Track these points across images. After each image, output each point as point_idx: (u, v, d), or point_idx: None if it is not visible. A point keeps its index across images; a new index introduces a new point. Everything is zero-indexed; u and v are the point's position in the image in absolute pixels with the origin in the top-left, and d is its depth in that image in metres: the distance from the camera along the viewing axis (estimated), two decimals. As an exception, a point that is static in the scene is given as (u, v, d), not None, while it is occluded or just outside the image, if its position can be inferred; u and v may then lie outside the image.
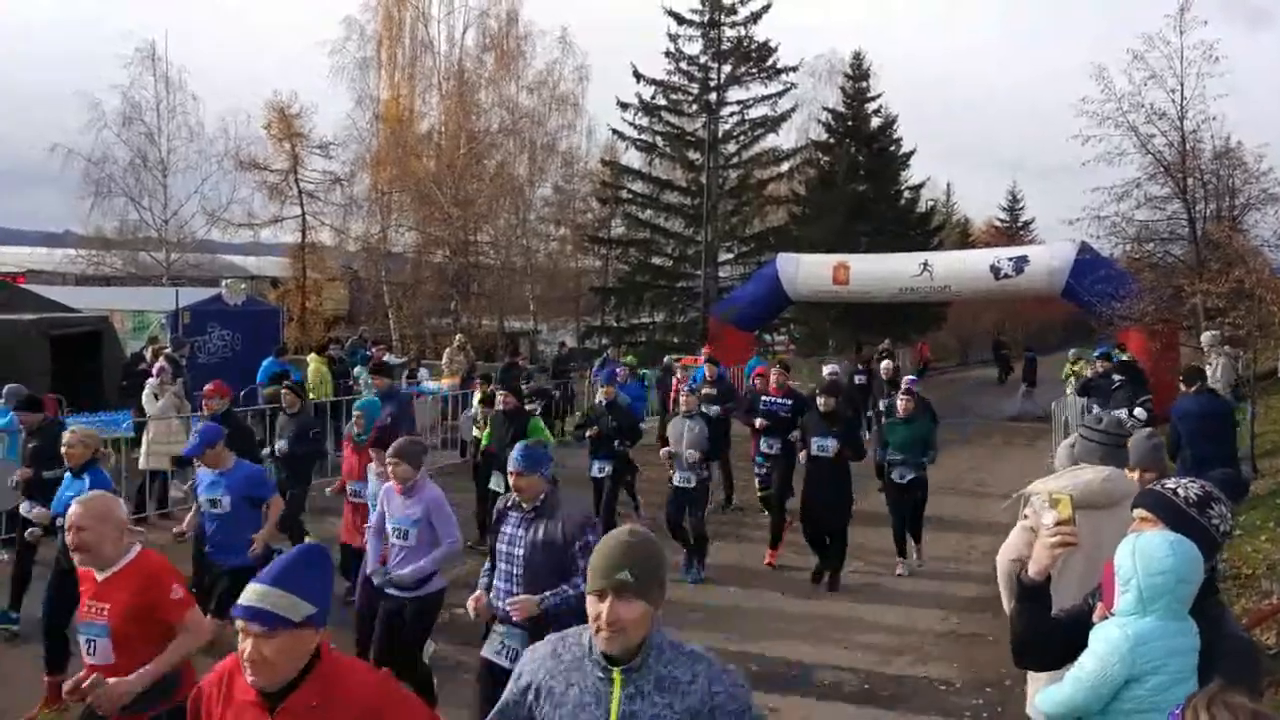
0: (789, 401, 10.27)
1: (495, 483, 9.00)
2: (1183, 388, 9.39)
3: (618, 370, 13.85)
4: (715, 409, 11.53)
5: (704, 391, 11.96)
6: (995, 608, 7.88)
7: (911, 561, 9.64)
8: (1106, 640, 2.82)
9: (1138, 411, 7.30)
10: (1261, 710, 2.14)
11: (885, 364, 16.02)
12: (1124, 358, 14.57)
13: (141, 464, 10.68)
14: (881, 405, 13.32)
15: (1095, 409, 10.55)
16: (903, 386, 10.92)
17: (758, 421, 10.37)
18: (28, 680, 6.11)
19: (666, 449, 9.19)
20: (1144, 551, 2.80)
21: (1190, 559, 2.77)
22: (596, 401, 10.29)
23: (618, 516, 9.85)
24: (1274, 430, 15.10)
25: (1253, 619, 6.54)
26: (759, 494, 10.32)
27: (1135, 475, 4.41)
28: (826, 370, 13.16)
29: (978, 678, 6.70)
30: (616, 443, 9.70)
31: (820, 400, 9.08)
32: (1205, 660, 2.78)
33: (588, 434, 10.00)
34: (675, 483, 9.15)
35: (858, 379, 17.66)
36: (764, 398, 10.56)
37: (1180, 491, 2.97)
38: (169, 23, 75.90)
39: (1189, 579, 2.76)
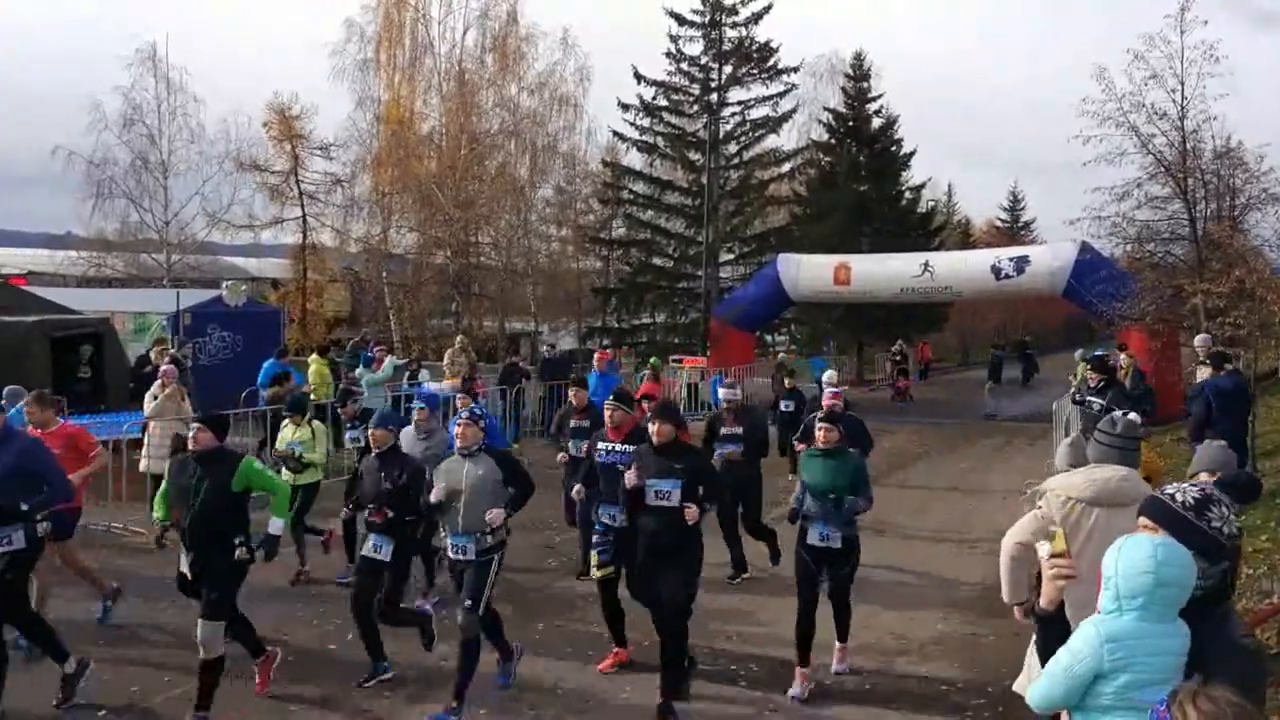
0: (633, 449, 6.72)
1: (184, 565, 6.09)
2: (1209, 371, 9.59)
3: (455, 398, 10.10)
4: (583, 445, 8.68)
5: (572, 424, 9.49)
6: (997, 607, 7.89)
7: (831, 665, 6.87)
8: (1081, 635, 2.89)
9: (1132, 416, 7.30)
10: (1245, 704, 2.15)
11: (829, 373, 11.93)
12: (1114, 360, 14.53)
13: (142, 467, 10.67)
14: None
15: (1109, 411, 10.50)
16: (825, 402, 9.01)
17: (575, 489, 7.62)
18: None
19: (429, 497, 6.29)
20: (1126, 552, 2.84)
21: (1175, 563, 2.77)
22: (357, 448, 7.30)
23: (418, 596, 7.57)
24: (1275, 430, 15.09)
25: (1253, 619, 6.54)
26: (596, 574, 7.03)
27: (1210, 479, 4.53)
28: (723, 393, 9.61)
29: (979, 677, 6.69)
30: (392, 512, 6.53)
31: (653, 428, 6.26)
32: (1206, 664, 2.78)
33: (346, 508, 7.16)
34: (449, 553, 6.30)
35: (784, 406, 13.46)
36: (600, 444, 7.18)
37: (1178, 496, 2.98)
38: (169, 24, 76.10)
39: (1171, 582, 2.76)
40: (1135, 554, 2.81)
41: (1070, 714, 2.97)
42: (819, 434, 6.77)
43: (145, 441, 10.72)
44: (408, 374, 17.08)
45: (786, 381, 14.46)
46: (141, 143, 29.33)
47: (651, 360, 21.69)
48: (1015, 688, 4.26)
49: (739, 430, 9.20)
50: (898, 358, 27.45)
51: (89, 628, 7.30)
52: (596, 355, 15.58)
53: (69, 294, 20.81)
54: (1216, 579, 2.90)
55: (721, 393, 9.74)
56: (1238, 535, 2.99)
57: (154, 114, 29.42)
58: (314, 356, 16.00)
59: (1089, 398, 10.86)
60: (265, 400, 12.83)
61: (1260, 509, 10.05)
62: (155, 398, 10.81)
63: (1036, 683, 3.03)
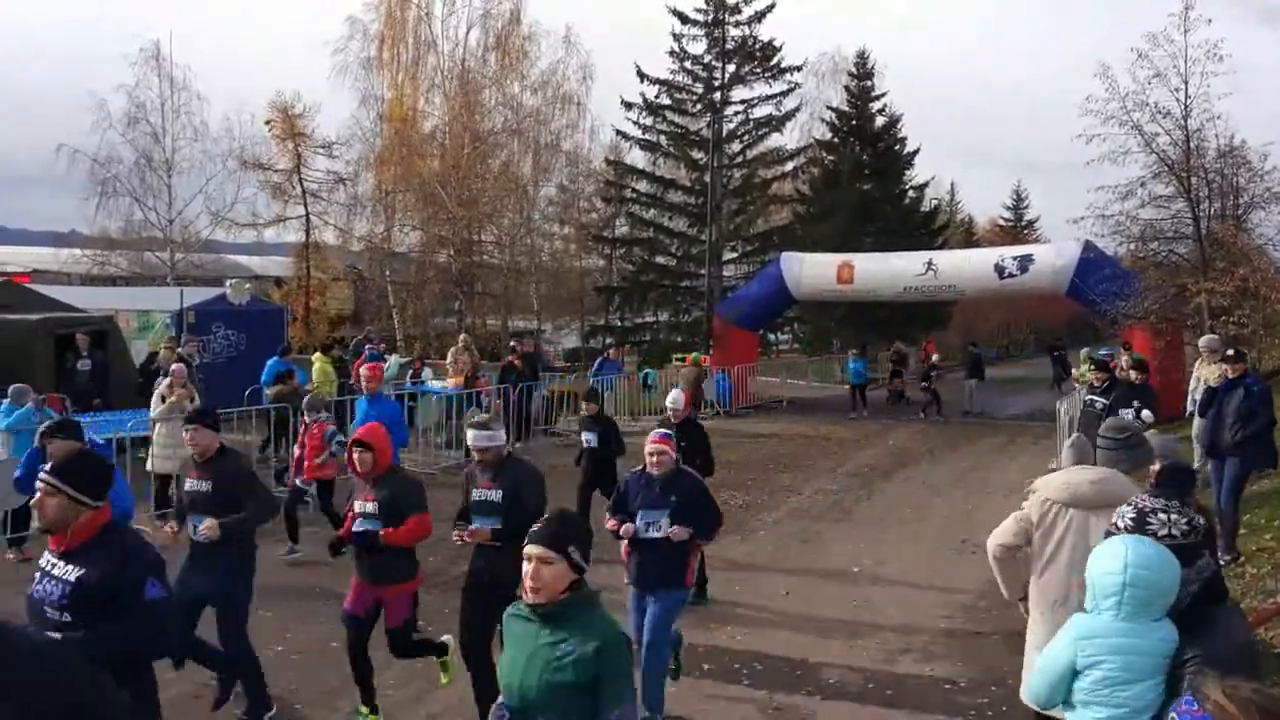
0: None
1: None
2: (1229, 369, 9.35)
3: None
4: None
5: None
6: (999, 605, 7.89)
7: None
8: (1061, 632, 3.05)
9: (1145, 414, 7.22)
10: (1263, 689, 2.20)
11: (673, 394, 8.38)
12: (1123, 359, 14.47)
13: (149, 466, 10.68)
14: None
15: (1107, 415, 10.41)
16: (650, 445, 5.91)
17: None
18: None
19: None
20: (1097, 553, 2.95)
21: (1146, 564, 2.83)
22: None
23: None
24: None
25: (1257, 618, 6.53)
26: None
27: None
28: (472, 436, 5.87)
29: (982, 676, 6.69)
30: None
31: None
32: (1176, 670, 2.84)
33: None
34: None
35: (585, 440, 9.57)
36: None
37: (1119, 522, 3.10)
38: (171, 23, 76.23)
39: (1140, 583, 2.83)
40: (1104, 554, 2.90)
41: (1063, 709, 3.08)
42: (525, 583, 3.13)
43: (152, 440, 10.73)
44: (410, 372, 17.12)
45: (586, 405, 9.92)
46: (145, 141, 29.46)
47: (694, 355, 21.77)
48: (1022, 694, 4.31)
49: (496, 496, 5.61)
50: (894, 358, 27.26)
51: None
52: (366, 372, 10.01)
53: (73, 292, 20.84)
54: (1199, 582, 2.94)
55: (470, 436, 5.86)
56: (1192, 529, 3.02)
57: (158, 112, 29.56)
58: (317, 355, 16.02)
59: (1092, 397, 10.87)
60: (269, 398, 12.85)
61: (1265, 507, 10.04)
62: (164, 398, 10.83)
63: (1030, 677, 3.22)
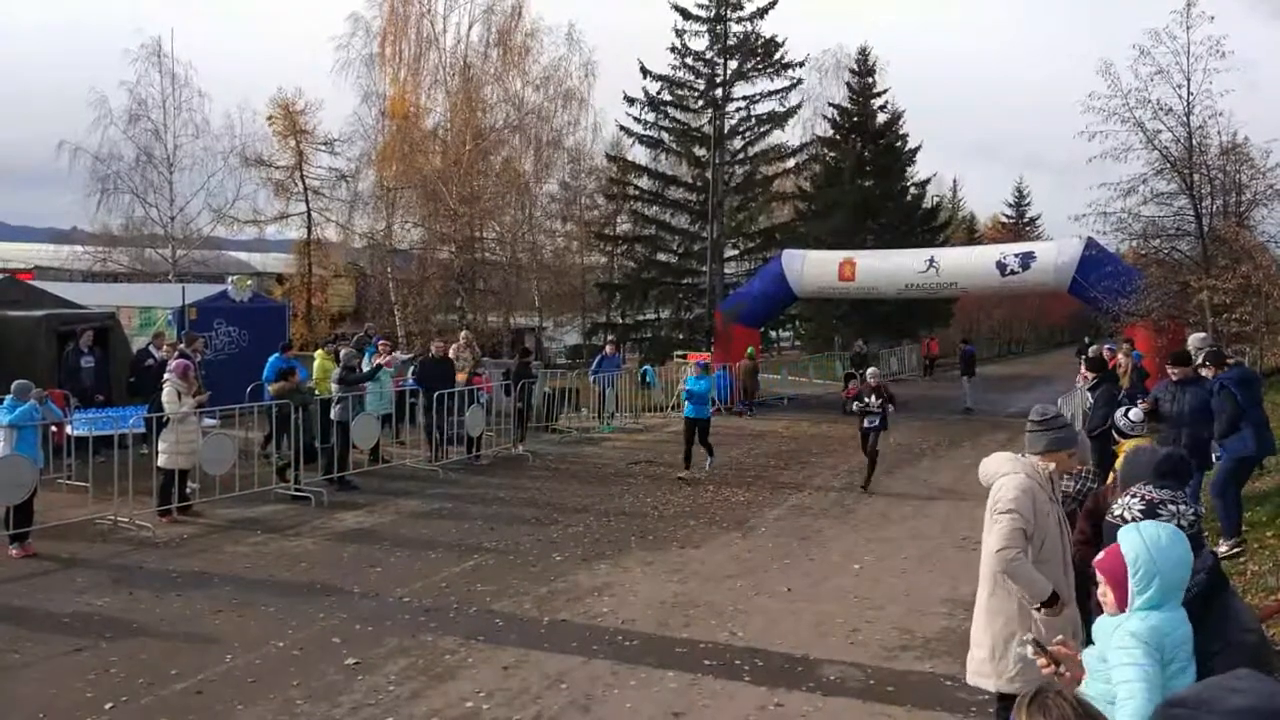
0: None
1: None
2: (1212, 370, 9.35)
3: None
4: None
5: None
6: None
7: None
8: (1127, 643, 2.77)
9: (1134, 413, 7.27)
10: (1088, 706, 2.14)
11: None
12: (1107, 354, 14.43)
13: (164, 463, 10.72)
14: None
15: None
16: None
17: None
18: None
19: None
20: (1167, 547, 2.79)
21: (1183, 550, 2.82)
22: None
23: None
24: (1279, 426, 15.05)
25: (1260, 616, 6.53)
26: None
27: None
28: None
29: (982, 673, 6.69)
30: None
31: None
32: (1209, 662, 2.77)
33: None
34: None
35: None
36: None
37: (1126, 515, 3.05)
38: (174, 20, 76.18)
39: (1188, 563, 2.83)
40: (1165, 546, 2.79)
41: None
42: None
43: (166, 437, 10.74)
44: (412, 369, 17.11)
45: None
46: (147, 138, 29.44)
47: (749, 351, 21.88)
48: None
49: None
50: (853, 361, 26.17)
51: (96, 620, 7.34)
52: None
53: (75, 289, 20.85)
54: (1204, 570, 2.94)
55: None
56: (1198, 518, 3.06)
57: (159, 109, 29.53)
58: (319, 351, 16.05)
59: (1085, 394, 10.93)
60: (271, 395, 12.87)
61: (1267, 504, 10.04)
62: (180, 395, 10.87)
63: (1124, 711, 2.85)
